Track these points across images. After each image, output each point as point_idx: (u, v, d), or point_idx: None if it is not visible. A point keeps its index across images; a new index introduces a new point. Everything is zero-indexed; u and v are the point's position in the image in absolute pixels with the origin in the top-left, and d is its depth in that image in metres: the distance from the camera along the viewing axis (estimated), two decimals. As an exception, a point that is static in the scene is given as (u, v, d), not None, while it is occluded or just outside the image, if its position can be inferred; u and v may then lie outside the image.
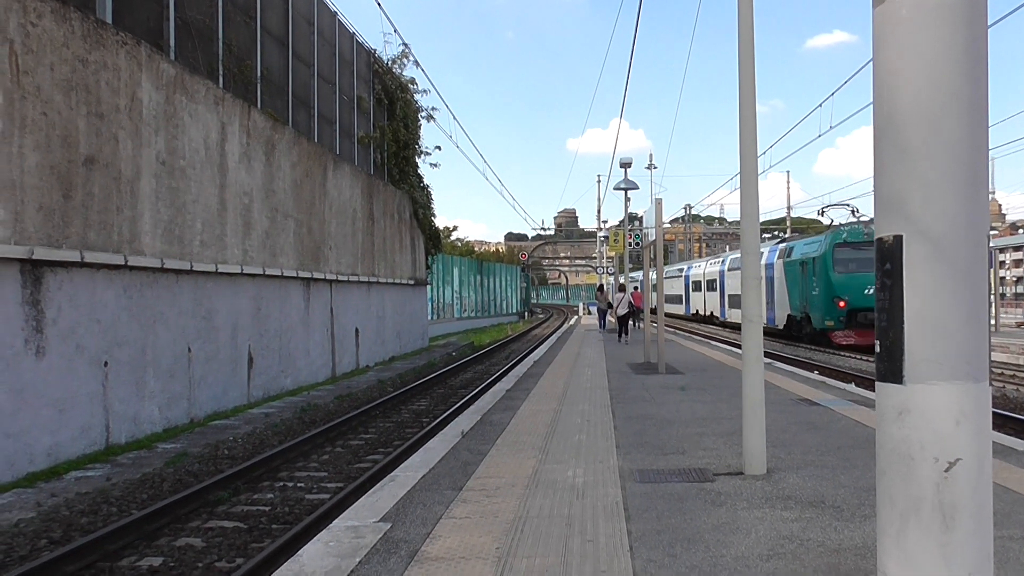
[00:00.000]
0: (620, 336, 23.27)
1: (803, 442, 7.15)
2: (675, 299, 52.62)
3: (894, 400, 2.79)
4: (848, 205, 54.28)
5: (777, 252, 30.87)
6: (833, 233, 26.86)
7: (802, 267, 28.41)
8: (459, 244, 73.99)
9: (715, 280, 42.17)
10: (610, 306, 25.75)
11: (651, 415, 8.93)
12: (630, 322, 25.02)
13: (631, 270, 44.67)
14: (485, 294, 54.76)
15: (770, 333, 30.87)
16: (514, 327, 47.19)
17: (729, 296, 38.91)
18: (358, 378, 18.81)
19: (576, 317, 51.04)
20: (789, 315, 29.58)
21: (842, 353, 24.67)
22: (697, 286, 47.44)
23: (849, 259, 25.76)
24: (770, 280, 31.14)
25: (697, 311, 46.89)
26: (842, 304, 25.53)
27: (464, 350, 28.29)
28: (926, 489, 2.74)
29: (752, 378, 6.03)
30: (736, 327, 37.97)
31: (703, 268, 46.06)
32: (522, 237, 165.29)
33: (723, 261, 41.26)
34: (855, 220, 29.37)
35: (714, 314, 42.38)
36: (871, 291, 25.21)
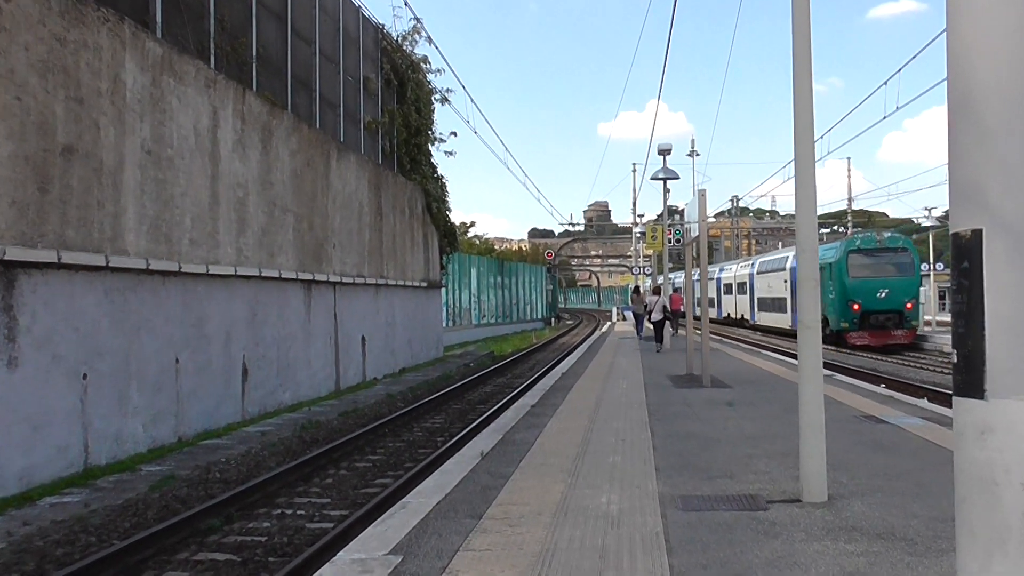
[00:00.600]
0: (657, 344, 23.22)
1: (869, 465, 7.10)
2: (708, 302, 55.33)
3: (974, 417, 2.74)
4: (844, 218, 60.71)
5: None
6: (848, 240, 31.88)
7: (820, 272, 31.20)
8: (477, 242, 74.08)
9: (745, 283, 46.19)
10: (646, 309, 25.73)
11: (695, 433, 8.92)
12: (669, 328, 25.11)
13: (671, 270, 44.93)
14: (507, 298, 54.84)
15: (794, 335, 33.51)
16: (539, 335, 47.24)
17: (759, 299, 42.92)
18: (365, 392, 18.90)
19: (609, 323, 50.99)
20: None
21: (911, 364, 25.02)
22: (728, 289, 51.32)
23: (862, 265, 30.52)
24: (794, 284, 33.74)
25: (728, 314, 50.77)
26: (856, 307, 30.07)
27: (483, 360, 28.37)
28: (1012, 519, 2.69)
29: (810, 392, 5.99)
30: (766, 330, 41.43)
31: (734, 270, 50.19)
32: (548, 233, 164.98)
33: (752, 264, 45.47)
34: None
35: (744, 317, 46.52)
36: (883, 295, 30.03)
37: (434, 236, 27.98)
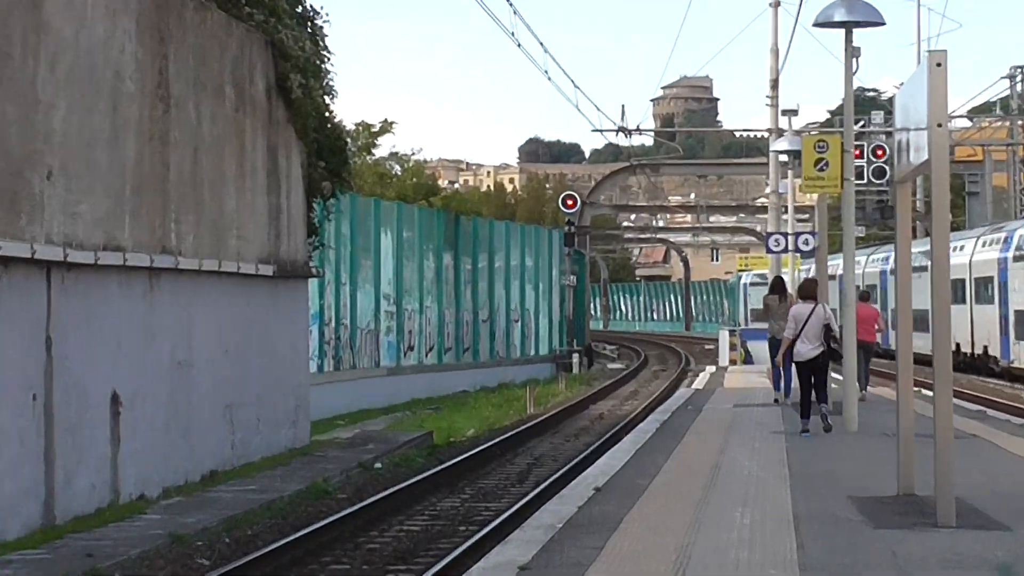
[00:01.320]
0: (824, 421, 23.22)
1: None
2: (920, 320, 56.70)
3: None
4: None
5: None
6: None
7: None
8: (399, 170, 74.33)
9: (990, 279, 49.39)
10: (794, 329, 25.73)
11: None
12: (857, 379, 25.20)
13: (859, 243, 44.91)
14: (467, 303, 54.86)
15: None
16: (544, 394, 47.28)
17: (1016, 314, 46.23)
18: (116, 528, 18.76)
19: (709, 369, 51.24)
20: None
21: None
22: (954, 292, 51.74)
23: None
24: None
25: (957, 345, 52.05)
26: None
27: (406, 455, 28.53)
28: None
29: None
30: None
31: (968, 254, 52.47)
32: (568, 152, 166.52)
33: (1007, 239, 48.24)
34: None
35: (988, 351, 50.03)
36: None
37: (295, 154, 28.01)
